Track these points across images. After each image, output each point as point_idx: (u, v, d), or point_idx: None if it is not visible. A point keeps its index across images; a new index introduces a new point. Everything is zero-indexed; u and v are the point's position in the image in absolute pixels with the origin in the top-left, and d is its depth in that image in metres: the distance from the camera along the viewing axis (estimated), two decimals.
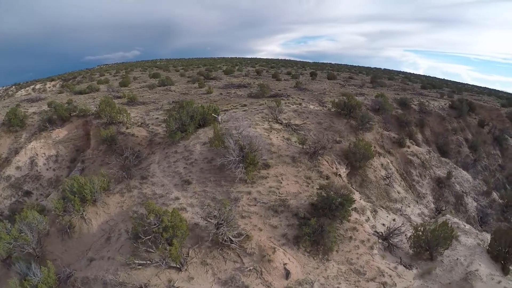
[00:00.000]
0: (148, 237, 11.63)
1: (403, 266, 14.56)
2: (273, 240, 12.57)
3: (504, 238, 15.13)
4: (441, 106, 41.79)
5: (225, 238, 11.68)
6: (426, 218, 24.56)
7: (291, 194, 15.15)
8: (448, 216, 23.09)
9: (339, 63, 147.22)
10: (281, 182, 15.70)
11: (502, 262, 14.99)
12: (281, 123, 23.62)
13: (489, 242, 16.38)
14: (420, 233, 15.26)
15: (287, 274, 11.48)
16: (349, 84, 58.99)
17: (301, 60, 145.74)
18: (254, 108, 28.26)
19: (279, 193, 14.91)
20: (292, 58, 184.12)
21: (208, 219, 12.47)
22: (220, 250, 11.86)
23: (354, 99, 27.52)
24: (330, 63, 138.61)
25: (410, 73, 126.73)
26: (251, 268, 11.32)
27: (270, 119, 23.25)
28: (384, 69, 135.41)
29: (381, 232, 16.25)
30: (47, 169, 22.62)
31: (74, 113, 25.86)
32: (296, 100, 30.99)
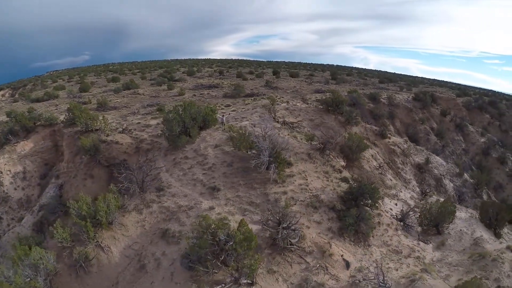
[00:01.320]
0: (216, 256, 10.32)
1: (422, 242, 16.14)
2: (322, 235, 12.53)
3: (491, 209, 18.39)
4: (406, 99, 45.25)
5: (288, 241, 11.13)
6: (417, 200, 26.23)
7: (318, 189, 15.30)
8: (434, 197, 25.27)
9: (292, 61, 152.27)
10: (307, 179, 15.79)
11: (493, 228, 17.93)
12: (277, 122, 23.62)
13: (479, 213, 19.26)
14: (426, 212, 17.29)
15: (347, 265, 11.81)
16: (313, 81, 61.25)
17: (254, 59, 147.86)
18: (242, 108, 27.83)
19: (309, 189, 15.01)
20: (244, 58, 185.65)
21: (265, 225, 11.83)
22: (282, 254, 11.34)
23: (341, 96, 28.55)
24: (285, 62, 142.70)
25: (362, 68, 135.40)
26: (317, 265, 11.21)
27: (267, 118, 23.09)
28: (337, 65, 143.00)
29: (396, 215, 17.62)
30: (15, 189, 19.69)
31: (40, 123, 22.92)
32: (281, 98, 31.17)
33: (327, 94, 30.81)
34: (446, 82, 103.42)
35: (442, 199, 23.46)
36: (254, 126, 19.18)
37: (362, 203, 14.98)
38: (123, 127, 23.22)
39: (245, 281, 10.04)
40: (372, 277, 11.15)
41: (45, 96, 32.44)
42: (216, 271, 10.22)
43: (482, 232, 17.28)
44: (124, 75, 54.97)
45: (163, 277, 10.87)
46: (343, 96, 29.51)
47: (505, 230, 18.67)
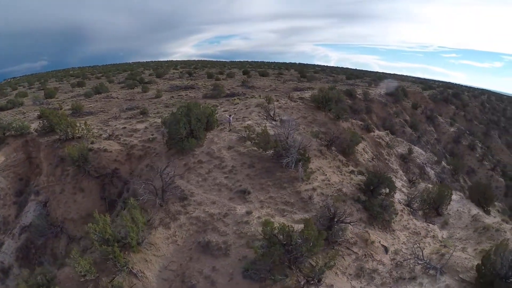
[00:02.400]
0: (289, 261, 9.60)
1: (430, 223, 17.46)
2: (358, 226, 12.57)
3: (477, 190, 21.24)
4: (379, 94, 47.16)
5: (337, 235, 10.96)
6: (408, 188, 27.43)
7: (338, 183, 15.39)
8: (422, 184, 26.65)
9: (255, 60, 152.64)
10: (326, 175, 15.84)
11: (482, 207, 20.25)
12: (276, 120, 23.26)
13: (469, 194, 21.99)
14: (426, 196, 18.83)
15: (386, 250, 12.43)
16: (286, 80, 61.72)
17: (217, 59, 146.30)
18: (234, 108, 27.05)
19: (331, 184, 14.98)
20: (206, 59, 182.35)
21: (319, 222, 11.73)
22: (333, 249, 11.13)
23: (330, 93, 28.94)
24: (248, 61, 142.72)
25: (324, 65, 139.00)
26: (364, 254, 11.50)
27: (266, 117, 22.69)
28: (300, 63, 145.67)
29: (403, 201, 18.85)
30: None
31: (9, 133, 20.26)
32: (272, 97, 30.81)
33: (314, 91, 31.02)
34: (407, 76, 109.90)
35: (431, 185, 24.80)
36: (258, 126, 18.48)
37: (379, 192, 15.57)
38: (109, 133, 21.36)
39: (315, 281, 9.47)
40: (410, 257, 11.74)
41: (8, 104, 28.88)
42: (287, 276, 9.45)
43: (476, 210, 19.45)
44: (88, 80, 51.24)
45: None
46: (332, 93, 29.94)
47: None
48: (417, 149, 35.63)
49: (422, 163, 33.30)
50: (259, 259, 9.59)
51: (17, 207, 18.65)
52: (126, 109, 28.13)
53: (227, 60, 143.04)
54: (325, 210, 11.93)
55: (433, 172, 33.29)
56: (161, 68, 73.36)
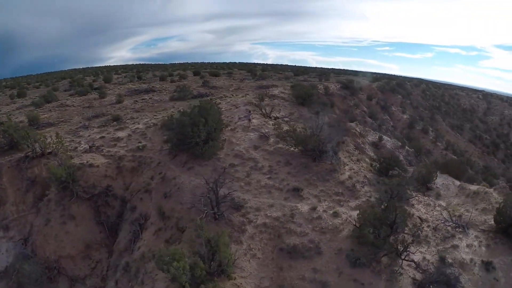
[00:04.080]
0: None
1: (428, 196, 18.43)
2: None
3: (453, 165, 24.58)
4: (337, 88, 48.51)
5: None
6: None
7: (362, 170, 15.86)
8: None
9: (195, 61, 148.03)
10: (348, 164, 15.76)
11: (459, 179, 22.29)
12: (269, 117, 21.98)
13: (446, 170, 23.79)
14: (418, 174, 20.36)
15: (421, 220, 13.22)
16: (243, 79, 60.32)
17: (155, 63, 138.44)
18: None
19: (358, 172, 15.42)
20: (144, 62, 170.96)
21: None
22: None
23: (310, 89, 29.08)
24: (188, 63, 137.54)
25: (263, 63, 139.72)
26: (413, 225, 11.79)
27: (262, 115, 21.30)
28: (240, 62, 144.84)
29: None
30: None
31: None
32: (246, 95, 29.25)
33: (295, 86, 30.55)
34: (345, 70, 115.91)
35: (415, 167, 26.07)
36: (264, 124, 16.94)
37: (391, 174, 17.10)
38: (89, 145, 17.77)
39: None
40: (438, 222, 13.18)
41: None
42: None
43: (458, 182, 21.12)
44: (27, 89, 43.56)
45: None
46: (311, 89, 29.92)
47: None
48: (383, 137, 37.28)
49: (392, 148, 34.86)
50: (365, 244, 9.31)
51: None
52: (92, 116, 24.07)
53: (166, 63, 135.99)
54: (387, 191, 12.66)
55: (401, 155, 35.05)
56: (102, 74, 66.43)
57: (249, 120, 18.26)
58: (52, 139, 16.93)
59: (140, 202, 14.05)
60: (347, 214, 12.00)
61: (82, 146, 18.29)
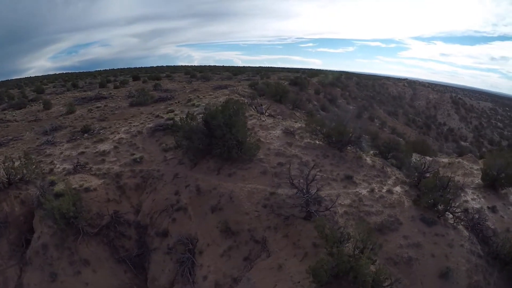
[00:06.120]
0: None
1: None
2: None
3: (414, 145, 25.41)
4: (287, 85, 48.65)
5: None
6: None
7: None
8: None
9: (119, 67, 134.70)
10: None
11: (423, 154, 23.37)
12: (264, 114, 20.31)
13: (413, 149, 24.33)
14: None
15: None
16: (187, 81, 56.38)
17: (78, 71, 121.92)
18: (196, 109, 21.94)
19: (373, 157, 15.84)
20: (65, 71, 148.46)
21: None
22: None
23: (286, 87, 28.92)
24: (114, 69, 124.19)
25: (189, 65, 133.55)
26: None
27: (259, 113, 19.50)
28: (167, 66, 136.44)
29: None
30: None
31: None
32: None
33: (270, 84, 29.47)
34: (269, 67, 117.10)
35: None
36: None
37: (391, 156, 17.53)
38: (75, 164, 13.56)
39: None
40: None
41: None
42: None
43: (429, 157, 21.97)
44: None
45: None
46: (287, 87, 29.63)
47: None
48: None
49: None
50: (429, 207, 10.86)
51: None
52: (50, 130, 18.91)
53: (92, 70, 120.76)
54: (418, 167, 13.56)
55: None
56: (26, 86, 55.46)
57: (262, 113, 16.64)
58: (21, 161, 12.41)
59: (173, 224, 11.01)
60: (395, 190, 12.51)
61: (60, 167, 13.94)
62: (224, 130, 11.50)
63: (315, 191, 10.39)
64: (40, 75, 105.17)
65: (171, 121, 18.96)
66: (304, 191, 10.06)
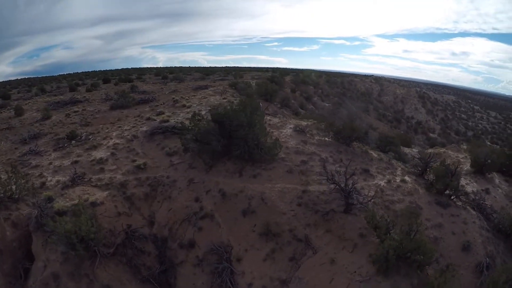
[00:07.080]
0: None
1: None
2: None
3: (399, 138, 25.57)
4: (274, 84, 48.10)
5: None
6: None
7: None
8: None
9: (83, 70, 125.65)
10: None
11: (407, 146, 24.64)
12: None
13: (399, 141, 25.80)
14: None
15: None
16: (162, 82, 53.69)
17: (40, 76, 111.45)
18: (188, 110, 20.55)
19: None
20: (27, 76, 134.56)
21: None
22: None
23: (274, 86, 28.43)
24: (79, 72, 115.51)
25: (153, 67, 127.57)
26: None
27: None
28: (133, 68, 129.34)
29: None
30: None
31: None
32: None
33: (260, 84, 28.83)
34: (235, 67, 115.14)
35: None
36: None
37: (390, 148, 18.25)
38: (73, 175, 11.76)
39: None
40: None
41: None
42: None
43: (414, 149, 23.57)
44: None
45: None
46: (274, 86, 29.10)
47: None
48: None
49: None
50: (442, 192, 11.48)
51: None
52: (28, 139, 16.55)
53: (55, 74, 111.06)
54: (422, 158, 14.03)
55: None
56: None
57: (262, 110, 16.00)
58: (8, 175, 10.47)
59: (199, 233, 9.87)
60: (407, 179, 12.96)
61: (53, 179, 12.07)
62: (246, 130, 10.54)
63: (351, 185, 9.94)
64: (0, 81, 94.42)
65: (168, 123, 17.55)
66: (343, 185, 9.75)
